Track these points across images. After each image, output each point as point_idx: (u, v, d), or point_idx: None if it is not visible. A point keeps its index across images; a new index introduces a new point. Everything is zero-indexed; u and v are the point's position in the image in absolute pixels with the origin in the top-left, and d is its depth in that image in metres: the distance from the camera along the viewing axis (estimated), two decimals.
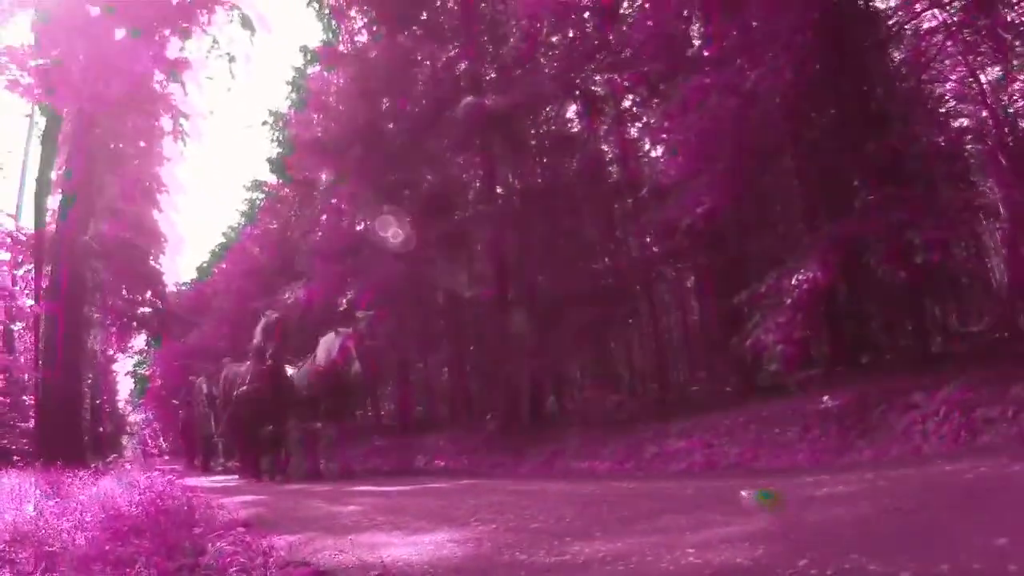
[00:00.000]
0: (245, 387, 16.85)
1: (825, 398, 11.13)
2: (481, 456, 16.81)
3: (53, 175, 20.15)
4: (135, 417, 53.91)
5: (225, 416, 18.95)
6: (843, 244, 11.29)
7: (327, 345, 15.95)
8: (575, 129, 22.74)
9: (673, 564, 4.14)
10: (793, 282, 11.23)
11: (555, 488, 9.79)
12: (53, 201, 19.89)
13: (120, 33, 19.16)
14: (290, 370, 17.16)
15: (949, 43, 14.16)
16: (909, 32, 14.26)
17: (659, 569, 4.09)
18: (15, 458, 14.34)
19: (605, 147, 22.27)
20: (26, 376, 18.04)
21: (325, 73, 26.96)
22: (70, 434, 17.90)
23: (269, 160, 31.82)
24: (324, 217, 27.19)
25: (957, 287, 18.92)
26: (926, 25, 14.02)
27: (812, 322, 11.86)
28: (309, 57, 28.34)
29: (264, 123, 31.60)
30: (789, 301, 11.33)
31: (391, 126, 22.62)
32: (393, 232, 20.74)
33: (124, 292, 30.77)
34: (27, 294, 18.50)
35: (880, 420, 9.89)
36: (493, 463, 15.85)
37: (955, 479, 5.78)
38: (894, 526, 4.43)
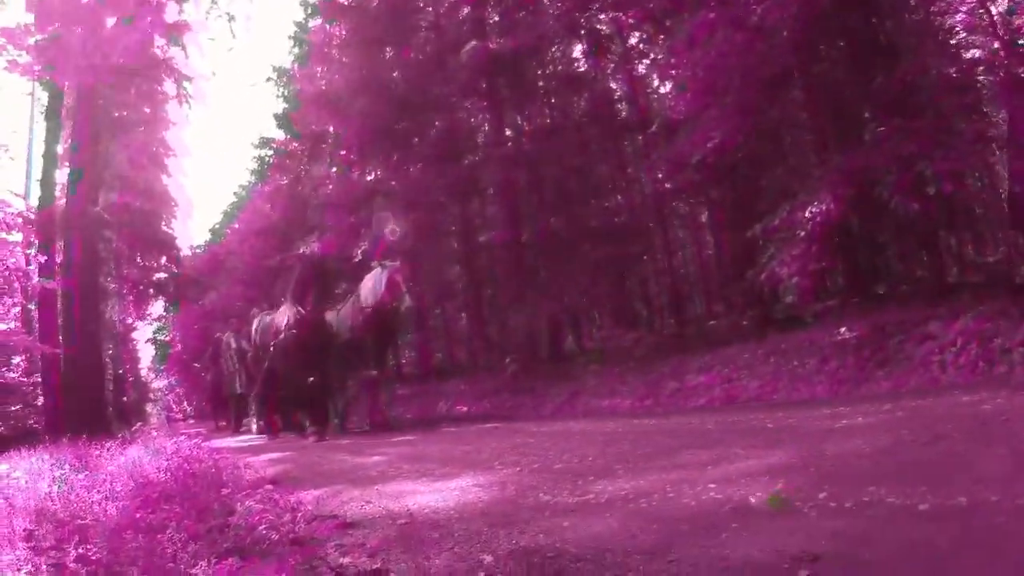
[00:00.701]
0: (283, 336, 15.76)
1: (842, 329, 11.16)
2: (502, 399, 16.87)
3: (59, 149, 20.08)
4: (158, 384, 54.20)
5: (261, 370, 17.69)
6: (854, 176, 11.23)
7: (372, 282, 14.85)
8: (582, 69, 22.53)
9: (695, 499, 4.21)
10: (806, 215, 11.21)
11: (576, 428, 9.90)
12: (61, 176, 19.85)
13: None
14: (329, 316, 16.13)
15: None
16: None
17: (681, 505, 4.15)
18: (44, 437, 14.40)
19: (613, 85, 22.14)
20: (40, 355, 18.00)
21: (327, 26, 26.64)
22: (94, 407, 17.93)
23: (275, 116, 31.67)
24: (334, 170, 27.08)
25: (971, 217, 18.86)
26: None
27: (826, 254, 11.84)
28: (310, 11, 28.30)
29: (268, 80, 31.34)
30: (803, 233, 11.33)
31: (395, 75, 22.52)
32: (403, 180, 20.80)
33: (139, 260, 30.69)
34: (38, 272, 18.43)
35: (897, 351, 9.90)
36: (514, 405, 15.95)
37: (973, 410, 5.80)
38: (912, 458, 4.47)
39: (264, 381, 17.56)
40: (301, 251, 23.78)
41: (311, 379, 15.35)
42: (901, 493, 3.60)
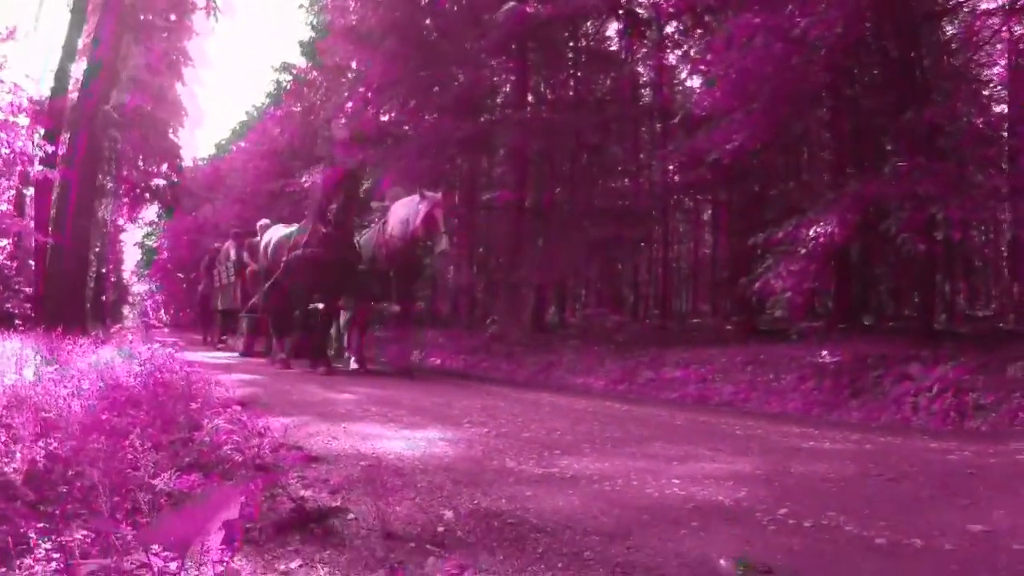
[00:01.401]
0: (300, 252, 13.75)
1: (824, 352, 11.19)
2: (478, 358, 16.82)
3: (80, 43, 19.87)
4: (139, 288, 54.15)
5: (267, 286, 15.55)
6: (866, 205, 11.25)
7: (405, 211, 13.18)
8: (613, 48, 22.47)
9: (658, 492, 4.24)
10: (811, 233, 11.22)
11: (548, 399, 9.90)
12: (77, 70, 19.65)
13: None
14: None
15: (1004, 27, 14.03)
16: (966, 10, 14.08)
17: (644, 494, 4.18)
18: (17, 322, 14.35)
19: (641, 70, 22.05)
20: (33, 241, 17.84)
21: None
22: (73, 301, 17.88)
23: (300, 43, 31.60)
24: (350, 105, 26.93)
25: (970, 268, 18.96)
26: (984, 6, 13.85)
27: (823, 275, 11.88)
28: None
29: (300, 6, 31.20)
30: (804, 251, 11.33)
31: (428, 22, 22.30)
32: (417, 127, 20.71)
33: (140, 163, 30.54)
34: (41, 159, 18.21)
35: (874, 384, 9.95)
36: (490, 367, 15.88)
37: (941, 457, 5.81)
38: (874, 491, 4.49)
39: (267, 296, 15.68)
40: (304, 180, 23.72)
41: (321, 304, 14.37)
42: (860, 523, 3.63)
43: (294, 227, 15.46)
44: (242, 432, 4.77)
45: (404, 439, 5.57)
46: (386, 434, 5.80)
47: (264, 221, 19.26)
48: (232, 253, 20.98)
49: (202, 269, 25.86)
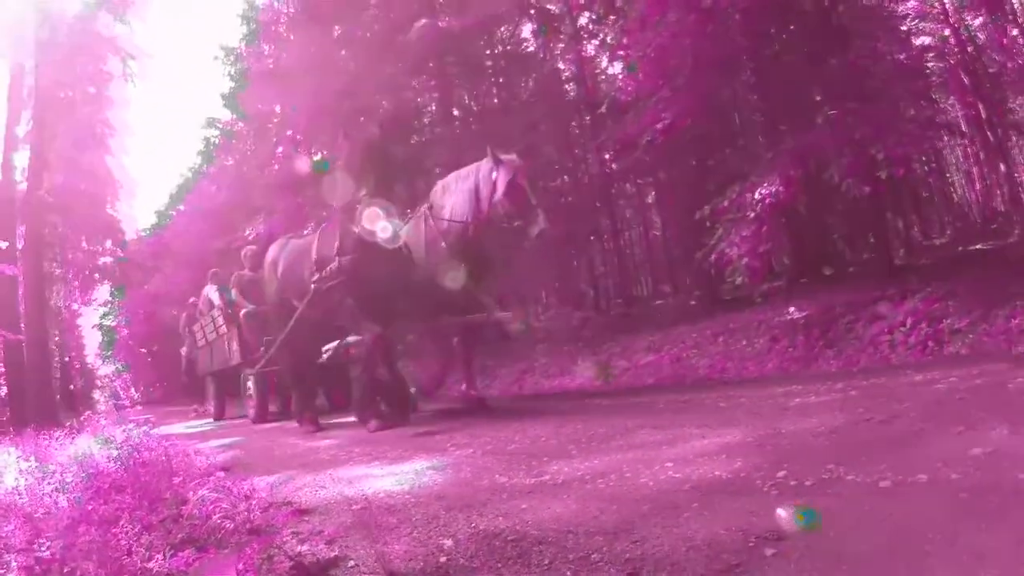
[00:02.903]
0: (331, 269, 9.81)
1: (791, 309, 11.29)
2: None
3: (22, 132, 19.76)
4: (105, 370, 53.59)
5: (281, 329, 11.40)
6: (805, 158, 11.33)
7: (473, 182, 9.60)
8: (531, 49, 22.55)
9: (653, 480, 4.21)
10: (756, 196, 11.27)
11: (528, 407, 9.89)
12: (20, 160, 19.54)
13: None
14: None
15: None
16: None
17: (639, 485, 4.15)
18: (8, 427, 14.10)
19: (562, 66, 22.14)
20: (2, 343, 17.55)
21: (275, 3, 26.43)
22: (42, 395, 17.69)
23: (222, 96, 31.33)
24: (280, 149, 26.86)
25: (918, 201, 19.16)
26: None
27: (775, 235, 11.92)
28: None
29: (215, 58, 30.98)
30: (752, 215, 11.38)
31: (343, 53, 22.29)
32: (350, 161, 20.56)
33: (84, 244, 30.23)
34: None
35: (847, 331, 10.07)
36: (457, 381, 15.68)
37: (926, 389, 5.88)
38: (869, 436, 4.51)
39: (289, 344, 11.35)
40: (247, 233, 23.20)
41: (377, 333, 9.70)
42: (861, 471, 3.64)
43: (314, 235, 11.25)
44: (229, 498, 4.70)
45: (392, 475, 5.50)
46: (373, 473, 5.73)
47: (247, 250, 16.03)
48: (215, 298, 16.63)
49: (181, 329, 21.07)
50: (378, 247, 9.36)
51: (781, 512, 3.16)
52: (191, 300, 20.76)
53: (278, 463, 7.25)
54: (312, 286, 10.24)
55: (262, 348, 13.41)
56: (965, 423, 4.27)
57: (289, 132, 25.55)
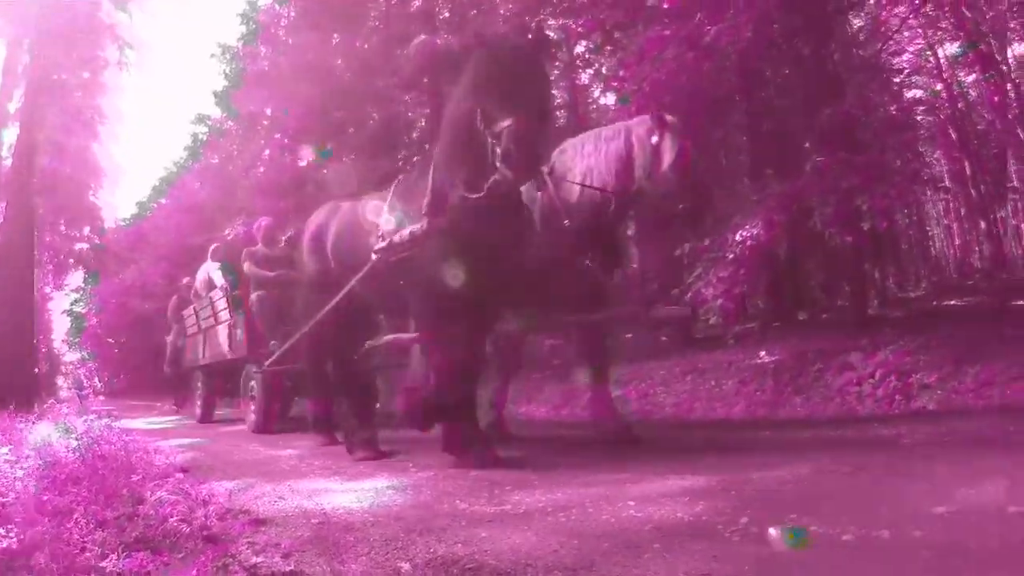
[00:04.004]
0: (416, 232, 6.61)
1: (762, 353, 11.31)
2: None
3: (12, 108, 19.70)
4: (71, 357, 53.27)
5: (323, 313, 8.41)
6: (790, 204, 11.37)
7: (626, 142, 7.36)
8: None
9: (614, 517, 4.18)
10: (737, 237, 11.30)
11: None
12: (10, 135, 19.48)
13: None
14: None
15: (911, 16, 14.38)
16: (872, 1, 14.42)
17: (600, 521, 4.12)
18: None
19: (555, 92, 22.17)
20: None
21: (276, 6, 26.44)
22: (24, 376, 17.52)
23: (215, 94, 31.23)
24: (267, 152, 26.82)
25: (897, 252, 19.32)
26: None
27: (753, 278, 11.95)
28: None
29: (212, 56, 30.96)
30: (732, 256, 11.40)
31: (340, 62, 22.30)
32: (336, 169, 20.41)
33: (63, 227, 30.06)
34: None
35: (816, 379, 10.08)
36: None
37: (892, 443, 5.90)
38: (834, 487, 4.51)
39: (319, 332, 8.80)
40: (226, 233, 22.89)
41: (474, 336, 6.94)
42: (824, 522, 3.61)
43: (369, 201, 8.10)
44: (187, 502, 4.66)
45: (352, 491, 5.48)
46: (333, 488, 5.71)
47: (264, 220, 13.35)
48: (217, 277, 14.47)
49: (170, 314, 19.23)
50: (493, 212, 6.26)
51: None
52: (184, 281, 19.28)
53: (238, 469, 7.20)
54: (373, 256, 7.24)
55: (273, 342, 11.25)
56: (930, 480, 4.30)
57: (278, 135, 25.52)
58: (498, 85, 5.78)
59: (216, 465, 7.58)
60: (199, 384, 15.72)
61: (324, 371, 9.19)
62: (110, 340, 43.62)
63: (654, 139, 7.11)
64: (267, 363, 10.84)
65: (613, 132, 7.66)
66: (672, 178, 6.95)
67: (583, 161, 7.69)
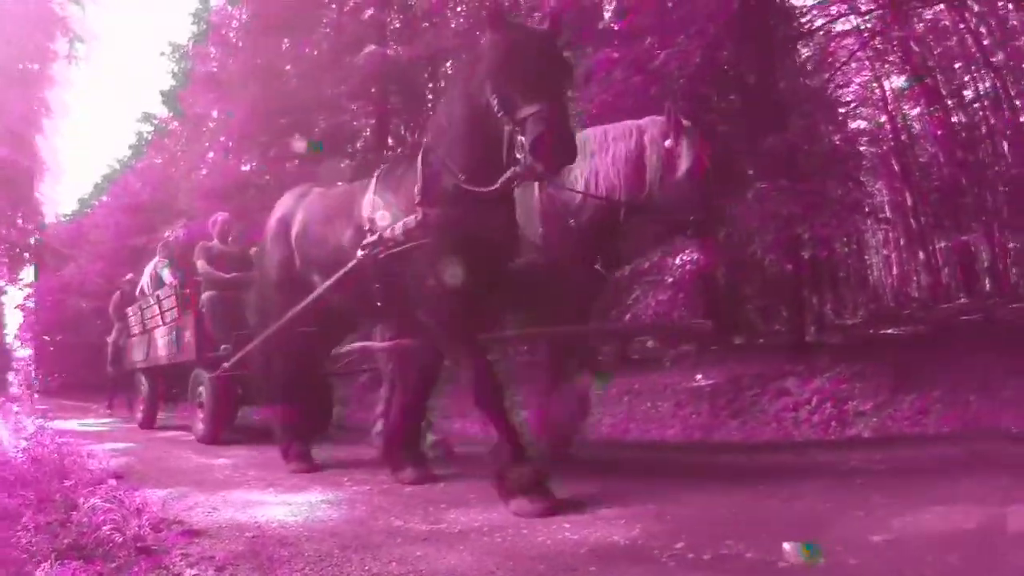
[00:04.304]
0: (392, 234, 5.99)
1: (698, 376, 11.36)
2: (351, 410, 16.47)
3: None
4: (23, 352, 52.25)
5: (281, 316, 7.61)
6: (731, 230, 11.46)
7: (637, 144, 6.78)
8: None
9: (550, 539, 4.20)
10: (677, 261, 11.35)
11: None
12: None
13: None
14: None
15: (859, 48, 14.61)
16: (821, 32, 14.61)
17: (536, 543, 4.14)
18: None
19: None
20: None
21: (228, 7, 26.23)
22: None
23: (162, 93, 30.93)
24: (211, 155, 26.57)
25: (835, 279, 19.58)
26: (839, 27, 14.43)
27: (690, 301, 12.01)
28: None
29: (162, 54, 30.69)
30: (671, 280, 11.47)
31: (289, 68, 22.18)
32: (279, 175, 20.24)
33: (20, 221, 29.56)
34: None
35: (752, 403, 10.11)
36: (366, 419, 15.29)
37: (829, 470, 5.98)
38: (770, 513, 4.55)
39: (282, 340, 7.86)
40: (166, 235, 22.52)
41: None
42: (760, 549, 3.67)
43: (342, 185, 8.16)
44: (121, 510, 4.61)
45: (286, 504, 5.47)
46: (267, 500, 5.69)
47: (221, 215, 12.64)
48: (166, 275, 13.42)
49: (112, 311, 18.18)
50: (489, 205, 5.70)
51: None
52: (127, 277, 18.41)
53: (171, 476, 7.12)
54: (359, 253, 6.30)
55: (225, 346, 10.47)
56: (865, 508, 4.35)
57: (222, 138, 25.30)
58: (522, 70, 5.12)
59: (149, 472, 7.47)
60: (142, 387, 14.48)
61: (290, 374, 8.07)
62: (46, 337, 42.84)
63: (668, 142, 6.59)
64: (224, 366, 9.83)
65: (622, 131, 6.99)
66: (687, 187, 6.47)
67: (587, 162, 6.87)
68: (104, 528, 4.18)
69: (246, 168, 23.61)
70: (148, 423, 14.06)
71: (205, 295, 11.32)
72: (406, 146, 9.36)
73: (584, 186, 6.80)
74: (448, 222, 5.74)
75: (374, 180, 6.61)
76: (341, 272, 6.48)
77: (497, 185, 5.41)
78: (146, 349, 13.96)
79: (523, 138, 4.84)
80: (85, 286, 31.56)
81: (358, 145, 22.52)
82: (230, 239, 12.30)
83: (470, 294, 5.76)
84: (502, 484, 5.26)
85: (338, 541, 4.29)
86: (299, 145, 20.55)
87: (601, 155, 6.87)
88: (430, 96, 21.88)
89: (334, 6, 22.43)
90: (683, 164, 6.42)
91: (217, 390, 10.66)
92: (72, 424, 14.80)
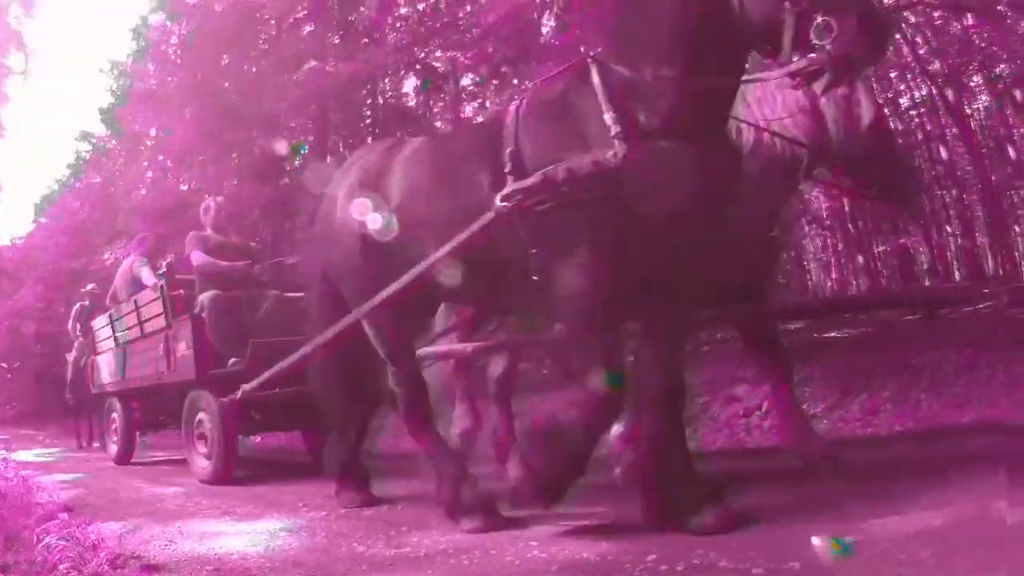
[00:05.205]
0: (565, 174, 3.98)
1: None
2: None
3: None
4: None
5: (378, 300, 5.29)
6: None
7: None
8: (411, 104, 22.67)
9: (518, 559, 4.15)
10: None
11: (378, 466, 9.64)
12: None
13: None
14: None
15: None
16: None
17: (504, 563, 4.09)
18: None
19: (440, 124, 22.22)
20: None
21: (168, 23, 25.97)
22: None
23: (101, 110, 30.60)
24: (150, 174, 26.31)
25: (775, 285, 19.80)
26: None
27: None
28: (155, 4, 27.26)
29: (101, 71, 30.37)
30: None
31: (228, 84, 22.02)
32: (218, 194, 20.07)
33: None
34: None
35: (702, 411, 10.09)
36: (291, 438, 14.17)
37: (786, 475, 5.92)
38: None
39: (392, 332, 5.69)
40: (105, 257, 22.23)
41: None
42: (733, 558, 3.65)
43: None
44: (77, 547, 4.52)
45: (244, 534, 5.38)
46: (223, 530, 5.59)
47: (213, 199, 10.49)
48: (145, 275, 11.00)
49: (71, 325, 16.13)
50: (715, 143, 4.18)
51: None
52: (89, 287, 16.36)
53: (124, 508, 6.97)
54: (498, 204, 4.28)
55: (233, 360, 8.51)
56: (830, 511, 4.33)
57: (161, 157, 25.08)
58: None
59: (101, 504, 7.29)
60: (115, 414, 11.69)
61: (354, 388, 6.47)
62: (3, 365, 42.11)
63: (841, 89, 5.04)
64: (245, 387, 7.27)
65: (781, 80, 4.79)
66: (871, 139, 5.37)
67: (749, 111, 5.57)
68: (61, 567, 4.11)
69: (185, 187, 23.37)
70: (124, 458, 11.60)
71: (205, 295, 8.90)
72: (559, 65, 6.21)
73: (754, 138, 5.52)
74: (664, 160, 3.87)
75: (512, 112, 4.60)
76: (476, 225, 4.45)
77: (784, 72, 3.78)
78: (119, 368, 11.30)
79: (822, 15, 3.37)
80: (25, 310, 31.13)
81: (297, 163, 22.44)
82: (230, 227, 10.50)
83: (667, 272, 4.33)
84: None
85: (301, 571, 4.23)
86: (280, 147, 20.40)
87: (769, 102, 5.59)
88: (368, 113, 21.88)
89: (273, 22, 22.34)
90: (865, 114, 5.36)
91: (228, 417, 8.24)
92: (21, 455, 14.14)
